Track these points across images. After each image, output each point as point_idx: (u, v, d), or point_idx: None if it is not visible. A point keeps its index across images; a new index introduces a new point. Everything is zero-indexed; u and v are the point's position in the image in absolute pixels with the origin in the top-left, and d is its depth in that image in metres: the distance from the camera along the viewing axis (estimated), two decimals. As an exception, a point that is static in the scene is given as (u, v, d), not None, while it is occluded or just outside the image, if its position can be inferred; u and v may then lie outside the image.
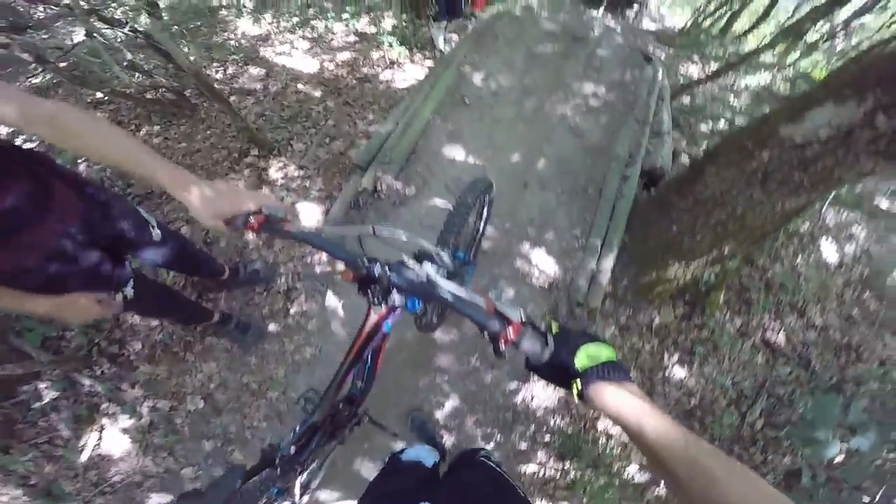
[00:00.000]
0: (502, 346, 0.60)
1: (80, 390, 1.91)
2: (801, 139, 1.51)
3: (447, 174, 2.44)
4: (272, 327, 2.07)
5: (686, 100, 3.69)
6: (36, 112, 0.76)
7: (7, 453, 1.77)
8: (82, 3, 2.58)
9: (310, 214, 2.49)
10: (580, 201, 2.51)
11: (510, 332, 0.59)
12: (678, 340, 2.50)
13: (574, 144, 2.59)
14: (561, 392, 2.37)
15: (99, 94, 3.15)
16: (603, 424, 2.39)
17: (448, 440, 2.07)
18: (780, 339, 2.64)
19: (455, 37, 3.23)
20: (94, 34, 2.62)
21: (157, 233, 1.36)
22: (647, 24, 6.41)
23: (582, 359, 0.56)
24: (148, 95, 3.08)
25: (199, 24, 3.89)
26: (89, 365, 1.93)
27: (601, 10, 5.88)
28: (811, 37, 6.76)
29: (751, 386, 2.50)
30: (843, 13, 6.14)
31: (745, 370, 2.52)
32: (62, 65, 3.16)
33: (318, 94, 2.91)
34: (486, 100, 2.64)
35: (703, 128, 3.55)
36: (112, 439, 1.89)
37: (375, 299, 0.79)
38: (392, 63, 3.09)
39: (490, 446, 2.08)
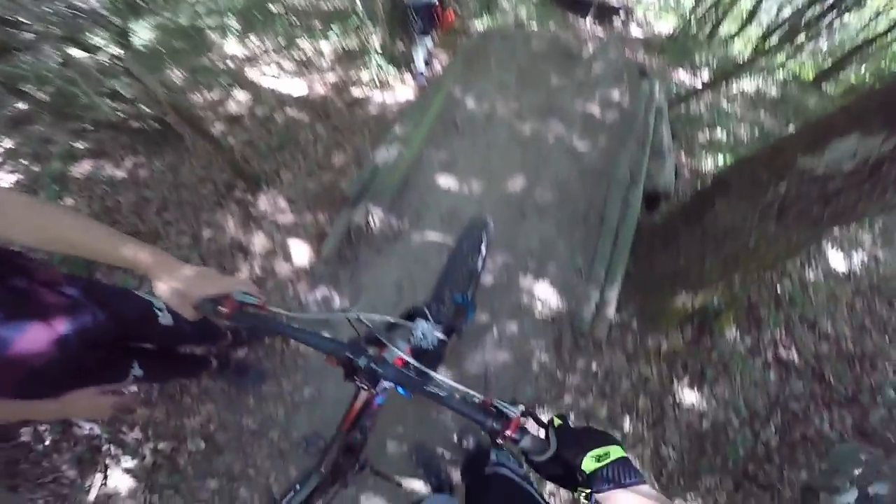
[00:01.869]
0: (500, 441, 0.60)
1: (79, 433, 1.95)
2: (823, 171, 1.39)
3: (442, 205, 2.36)
4: (268, 368, 2.06)
5: (682, 109, 3.63)
6: None
7: (15, 491, 1.85)
8: (56, 29, 2.47)
9: (301, 253, 2.41)
10: (581, 229, 2.44)
11: (509, 430, 0.58)
12: (688, 364, 2.44)
13: (572, 167, 2.51)
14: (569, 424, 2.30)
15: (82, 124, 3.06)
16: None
17: (455, 476, 2.00)
18: (793, 354, 2.59)
19: (438, 62, 3.14)
20: (70, 62, 2.52)
21: (166, 317, 1.21)
22: (635, 32, 6.39)
23: (589, 462, 0.53)
24: (133, 124, 2.97)
25: (185, 45, 3.79)
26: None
27: (588, 19, 5.83)
28: (797, 39, 6.80)
29: (764, 404, 2.45)
30: (827, 14, 6.17)
31: (757, 388, 2.47)
32: (42, 95, 3.06)
33: (306, 118, 2.82)
34: (479, 124, 2.56)
35: (702, 138, 3.49)
36: (117, 479, 1.93)
37: (363, 386, 0.76)
38: (382, 84, 3.01)
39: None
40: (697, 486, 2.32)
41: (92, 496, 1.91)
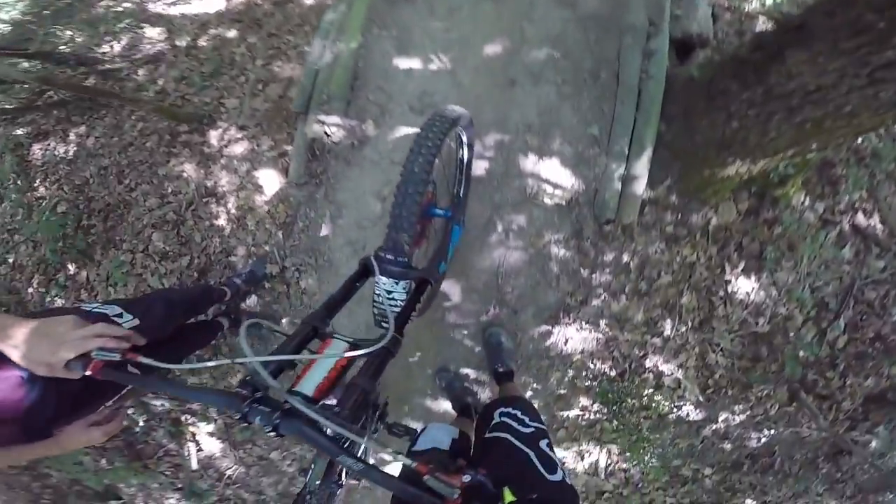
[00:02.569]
0: None
1: (155, 410, 2.16)
2: None
3: (407, 92, 1.90)
4: (278, 310, 2.08)
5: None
6: None
7: (147, 468, 2.17)
8: None
9: (271, 180, 2.12)
10: (591, 91, 1.91)
11: None
12: (743, 244, 1.98)
13: (566, 17, 1.93)
14: (600, 334, 1.96)
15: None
16: (651, 362, 2.00)
17: (483, 395, 1.97)
18: (874, 221, 2.06)
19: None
20: None
21: (129, 320, 1.08)
22: None
23: None
24: (54, 97, 2.68)
25: (70, 1, 3.31)
26: (148, 386, 2.21)
27: None
28: None
29: (834, 292, 2.01)
30: None
31: (827, 271, 2.01)
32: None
33: (234, 33, 2.38)
34: (433, -16, 1.99)
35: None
36: (208, 443, 2.16)
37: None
38: (313, -31, 2.47)
39: (527, 395, 1.96)
40: (748, 397, 2.03)
41: (195, 463, 2.16)
